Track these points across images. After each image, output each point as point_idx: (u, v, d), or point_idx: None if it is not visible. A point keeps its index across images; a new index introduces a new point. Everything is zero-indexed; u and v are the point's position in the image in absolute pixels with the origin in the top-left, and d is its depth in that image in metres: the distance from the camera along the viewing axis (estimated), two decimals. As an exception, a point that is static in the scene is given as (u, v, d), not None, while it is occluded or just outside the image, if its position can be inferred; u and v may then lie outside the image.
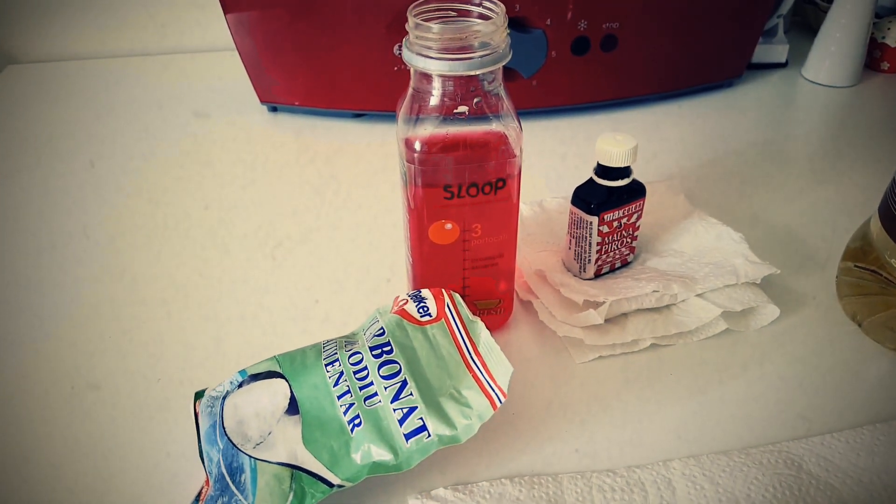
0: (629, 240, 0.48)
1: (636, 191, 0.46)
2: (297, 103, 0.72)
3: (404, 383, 0.36)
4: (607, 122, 0.76)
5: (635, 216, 0.47)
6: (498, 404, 0.36)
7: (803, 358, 0.48)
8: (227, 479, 0.35)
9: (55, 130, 0.66)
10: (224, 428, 0.37)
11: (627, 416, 0.44)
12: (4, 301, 0.59)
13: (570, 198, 0.47)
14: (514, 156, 0.39)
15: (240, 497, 0.34)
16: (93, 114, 0.67)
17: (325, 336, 0.46)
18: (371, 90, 0.68)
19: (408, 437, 0.35)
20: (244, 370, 0.40)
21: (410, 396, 0.35)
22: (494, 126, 0.38)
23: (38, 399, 0.55)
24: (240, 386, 0.38)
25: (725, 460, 0.39)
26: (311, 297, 0.58)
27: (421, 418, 0.35)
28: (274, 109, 0.74)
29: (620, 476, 0.39)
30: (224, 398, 0.38)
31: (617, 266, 0.50)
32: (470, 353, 0.38)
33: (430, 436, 0.35)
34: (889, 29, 0.84)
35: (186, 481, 0.52)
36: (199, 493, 0.38)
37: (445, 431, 0.35)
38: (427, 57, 0.36)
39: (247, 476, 0.34)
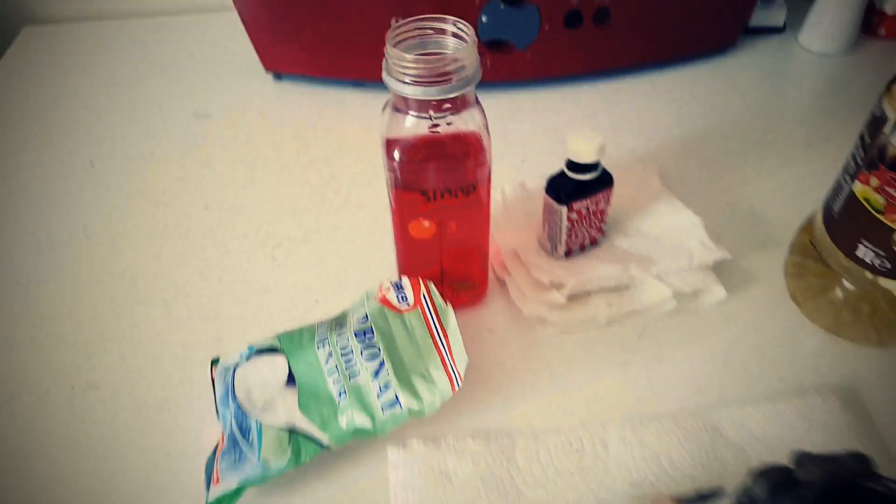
0: (598, 223, 0.52)
1: (604, 181, 0.50)
2: (300, 71, 0.71)
3: (382, 363, 0.42)
4: (598, 92, 0.75)
5: (603, 203, 0.51)
6: (457, 388, 0.43)
7: (743, 334, 0.51)
8: (238, 436, 0.42)
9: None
10: (235, 395, 0.43)
11: (578, 385, 0.49)
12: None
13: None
14: (485, 164, 0.43)
15: (248, 450, 0.41)
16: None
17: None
18: (372, 57, 0.68)
19: (384, 408, 0.42)
20: (251, 346, 0.46)
21: (387, 375, 0.42)
22: (467, 132, 0.41)
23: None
24: (247, 359, 0.45)
25: (656, 425, 0.44)
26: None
27: (395, 393, 0.42)
28: (278, 77, 0.73)
29: (563, 435, 0.44)
30: (235, 369, 0.45)
31: (587, 245, 0.53)
32: (440, 338, 0.44)
33: (401, 408, 0.42)
34: (890, -4, 0.84)
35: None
36: (216, 448, 0.44)
37: (414, 406, 0.42)
38: (403, 83, 0.38)
39: (254, 435, 0.41)
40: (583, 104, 0.73)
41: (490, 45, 0.69)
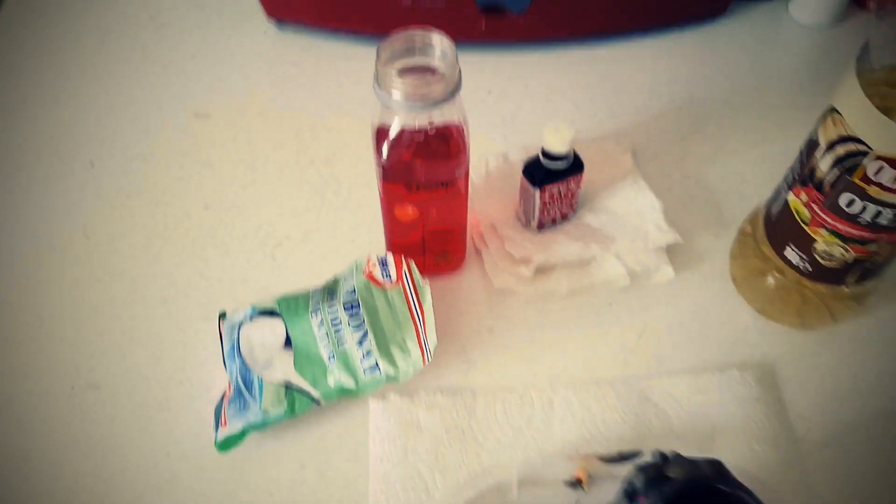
0: (569, 202, 0.57)
1: (575, 167, 0.54)
2: (303, 18, 0.70)
3: (366, 334, 0.48)
4: (587, 56, 0.73)
5: (574, 186, 0.56)
6: (427, 361, 0.48)
7: (684, 311, 0.55)
8: (243, 388, 0.47)
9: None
10: (240, 351, 0.49)
11: (535, 350, 0.54)
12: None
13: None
14: (463, 163, 0.47)
15: (251, 400, 0.47)
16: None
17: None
18: (375, 9, 0.67)
19: (365, 372, 0.47)
20: (254, 306, 0.51)
21: (369, 344, 0.48)
22: (450, 124, 0.46)
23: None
24: (251, 318, 0.50)
25: (595, 389, 0.50)
26: None
27: (376, 360, 0.47)
28: (280, 24, 0.72)
29: (517, 393, 0.50)
30: (240, 326, 0.50)
31: (559, 220, 0.58)
32: (417, 314, 0.49)
33: (381, 373, 0.48)
34: (883, -35, 0.81)
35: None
36: (224, 395, 0.49)
37: (391, 372, 0.48)
38: (391, 98, 0.43)
39: (256, 388, 0.47)
40: (573, 69, 0.72)
41: (485, 10, 0.69)
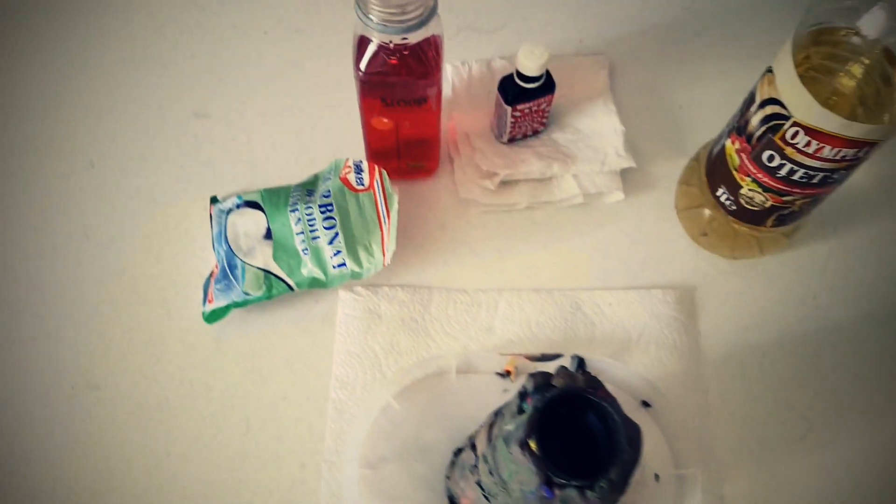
0: (540, 119, 0.58)
1: (547, 87, 0.55)
2: None
3: (337, 234, 0.51)
4: None
5: (545, 105, 0.56)
6: (386, 265, 0.51)
7: (628, 232, 0.57)
8: (227, 269, 0.52)
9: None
10: (226, 237, 0.52)
11: (492, 257, 0.56)
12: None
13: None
14: (435, 84, 0.48)
15: (234, 282, 0.51)
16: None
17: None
18: None
19: (334, 267, 0.51)
20: (240, 195, 0.54)
21: (339, 243, 0.51)
22: (427, 38, 0.46)
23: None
24: (238, 207, 0.53)
25: (535, 296, 0.53)
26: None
27: (343, 258, 0.51)
28: None
29: (468, 294, 0.54)
30: (228, 213, 0.53)
31: (529, 135, 0.59)
32: (384, 219, 0.52)
33: (347, 269, 0.51)
34: None
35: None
36: (211, 273, 0.53)
37: (356, 269, 0.51)
38: (369, 19, 0.44)
39: (239, 271, 0.51)
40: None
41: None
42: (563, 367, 0.36)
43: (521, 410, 0.35)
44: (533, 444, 0.33)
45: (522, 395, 0.36)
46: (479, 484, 0.39)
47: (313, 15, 0.67)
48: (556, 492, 0.32)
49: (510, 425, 0.35)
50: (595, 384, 0.35)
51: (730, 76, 0.62)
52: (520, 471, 0.33)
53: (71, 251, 0.57)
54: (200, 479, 0.50)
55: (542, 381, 0.35)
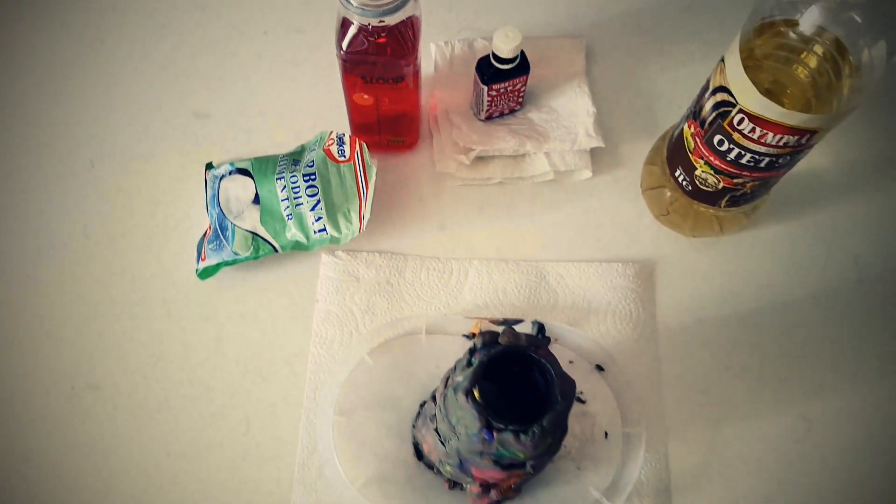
0: (515, 98, 0.60)
1: (522, 68, 0.57)
2: None
3: (319, 202, 0.55)
4: None
5: (520, 85, 0.58)
6: (361, 231, 0.55)
7: (595, 209, 0.59)
8: (219, 231, 0.55)
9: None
10: (219, 201, 0.56)
11: (465, 228, 0.59)
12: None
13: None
14: (412, 63, 0.51)
15: (225, 242, 0.54)
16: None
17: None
18: None
19: (315, 232, 0.55)
20: (233, 163, 0.57)
21: (321, 210, 0.54)
22: (406, 19, 0.49)
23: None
24: (230, 174, 0.57)
25: (503, 265, 0.56)
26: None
27: (324, 224, 0.54)
28: None
29: (441, 262, 0.57)
30: (221, 179, 0.57)
31: (506, 113, 0.61)
32: (363, 189, 0.55)
33: (327, 235, 0.55)
34: None
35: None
36: (205, 233, 0.56)
37: (335, 235, 0.55)
38: (347, 7, 0.47)
39: (229, 233, 0.55)
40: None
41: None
42: (509, 328, 0.40)
43: (469, 364, 0.39)
44: (476, 393, 0.37)
45: (472, 350, 0.39)
46: (436, 430, 0.43)
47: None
48: (495, 435, 0.36)
49: (460, 377, 0.38)
50: (536, 343, 0.39)
51: (705, 62, 0.61)
52: (465, 416, 0.37)
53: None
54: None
55: (489, 338, 0.39)
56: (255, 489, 0.49)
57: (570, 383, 0.38)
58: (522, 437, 0.36)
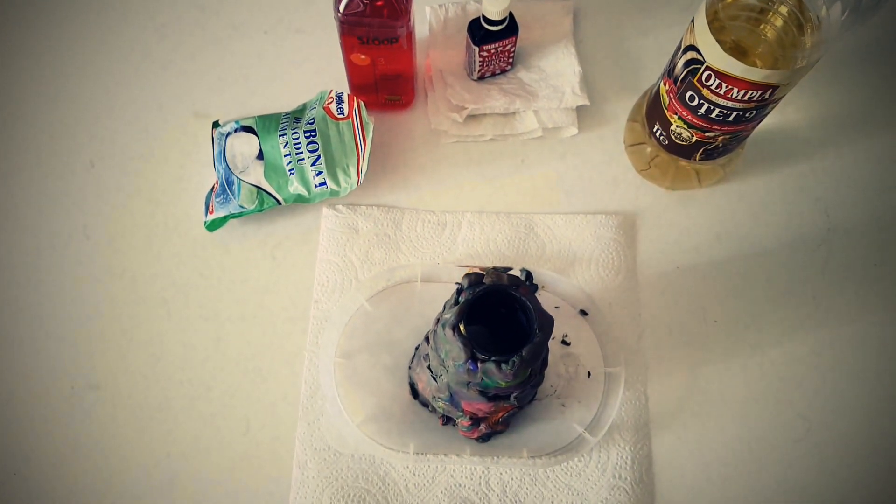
0: (506, 58, 0.62)
1: (510, 30, 0.59)
2: None
3: (319, 157, 0.57)
4: None
5: (510, 46, 0.60)
6: (359, 185, 0.57)
7: (580, 164, 0.62)
8: (225, 185, 0.57)
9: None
10: (225, 157, 0.58)
11: (458, 182, 0.61)
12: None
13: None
14: (406, 25, 0.53)
15: (231, 196, 0.57)
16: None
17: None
18: None
19: (316, 186, 0.57)
20: (238, 121, 0.59)
21: (321, 165, 0.57)
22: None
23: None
24: (235, 131, 0.59)
25: (494, 218, 0.59)
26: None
27: (324, 178, 0.57)
28: None
29: (435, 215, 0.59)
30: (227, 136, 0.59)
31: (497, 73, 0.64)
32: (361, 145, 0.57)
33: (327, 188, 0.57)
34: None
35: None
36: (212, 188, 0.58)
37: (335, 188, 0.57)
38: None
39: (235, 187, 0.57)
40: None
41: None
42: (493, 269, 0.42)
43: (456, 302, 0.41)
44: (462, 328, 0.40)
45: (459, 290, 0.42)
46: (429, 367, 0.46)
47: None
48: (479, 365, 0.39)
49: (448, 314, 0.41)
50: (517, 283, 0.41)
51: (686, 24, 0.63)
52: (453, 349, 0.40)
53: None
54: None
55: (474, 279, 0.42)
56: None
57: (548, 319, 0.40)
58: (504, 366, 0.39)
